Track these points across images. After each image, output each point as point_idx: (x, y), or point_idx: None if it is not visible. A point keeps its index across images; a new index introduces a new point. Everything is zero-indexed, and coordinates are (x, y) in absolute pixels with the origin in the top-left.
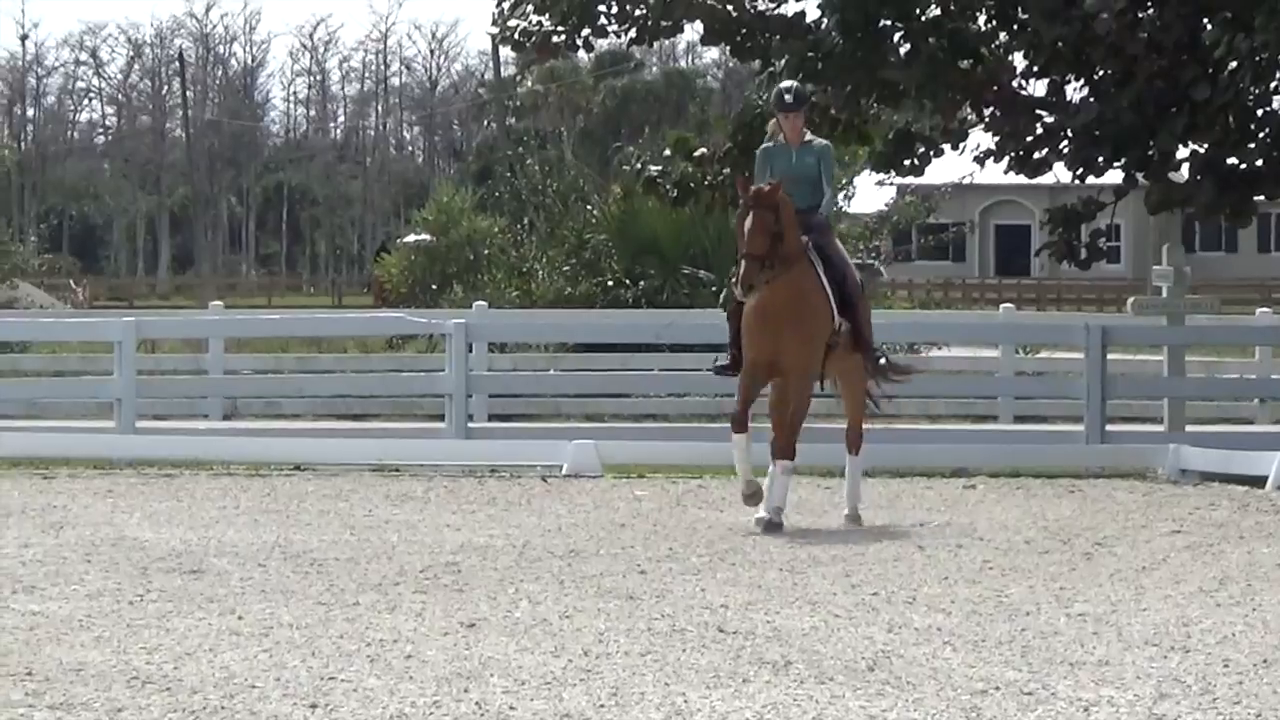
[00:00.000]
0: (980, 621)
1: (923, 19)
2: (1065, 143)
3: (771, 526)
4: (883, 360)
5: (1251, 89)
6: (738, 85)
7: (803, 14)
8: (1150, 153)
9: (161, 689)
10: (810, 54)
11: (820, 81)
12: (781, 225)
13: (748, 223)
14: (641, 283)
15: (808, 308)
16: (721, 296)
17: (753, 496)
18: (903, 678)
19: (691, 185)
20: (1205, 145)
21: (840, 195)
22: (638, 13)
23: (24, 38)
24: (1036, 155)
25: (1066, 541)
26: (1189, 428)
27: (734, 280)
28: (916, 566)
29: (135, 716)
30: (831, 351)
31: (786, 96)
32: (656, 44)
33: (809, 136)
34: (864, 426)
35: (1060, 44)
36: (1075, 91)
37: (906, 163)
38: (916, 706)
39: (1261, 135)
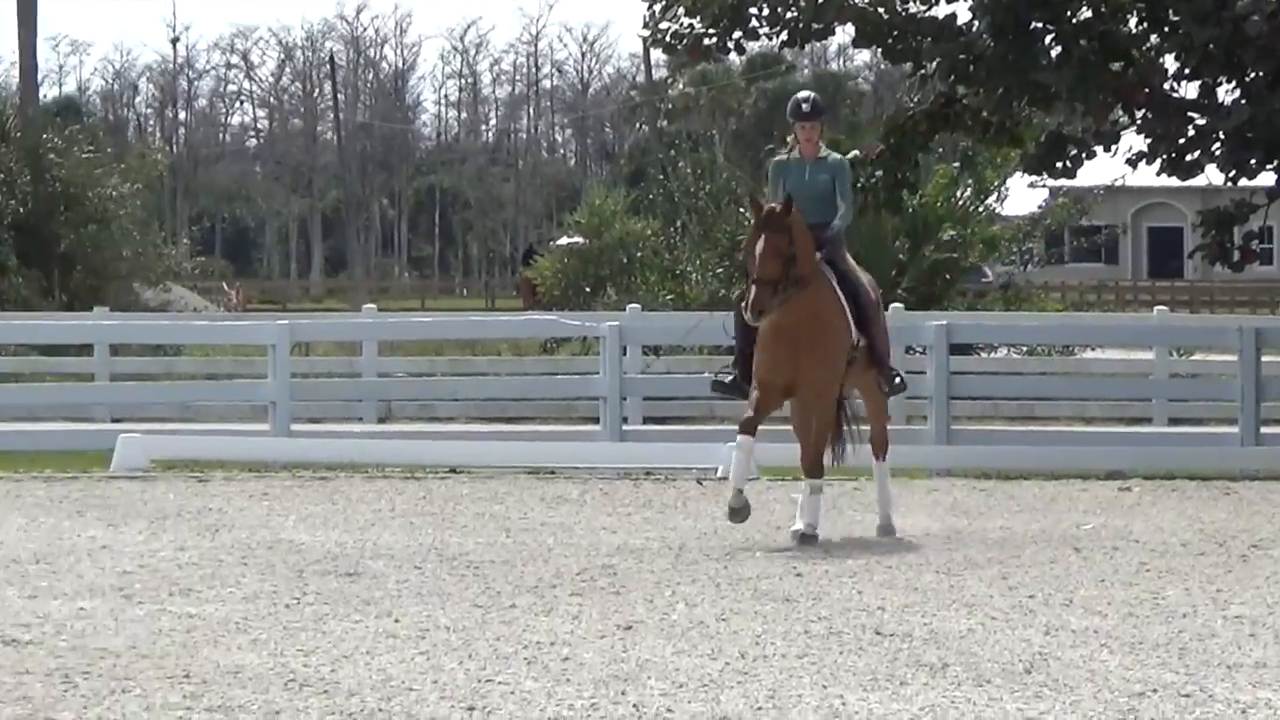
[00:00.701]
0: (1137, 624)
1: (1074, 21)
2: (1217, 145)
3: (806, 539)
4: (898, 380)
5: None
6: (889, 88)
7: (954, 16)
8: None
9: (319, 692)
10: (961, 56)
11: (972, 84)
12: (795, 248)
13: (759, 246)
14: None
15: (826, 329)
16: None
17: (738, 512)
18: (1060, 680)
19: None
20: None
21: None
22: (789, 15)
23: (175, 41)
24: (1189, 158)
25: (1222, 544)
26: None
27: (744, 304)
28: (1073, 569)
29: (292, 719)
30: (850, 367)
31: (804, 105)
32: (808, 47)
33: (824, 151)
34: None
35: (1212, 46)
36: (1227, 93)
37: (1058, 165)
38: (1074, 709)
39: None
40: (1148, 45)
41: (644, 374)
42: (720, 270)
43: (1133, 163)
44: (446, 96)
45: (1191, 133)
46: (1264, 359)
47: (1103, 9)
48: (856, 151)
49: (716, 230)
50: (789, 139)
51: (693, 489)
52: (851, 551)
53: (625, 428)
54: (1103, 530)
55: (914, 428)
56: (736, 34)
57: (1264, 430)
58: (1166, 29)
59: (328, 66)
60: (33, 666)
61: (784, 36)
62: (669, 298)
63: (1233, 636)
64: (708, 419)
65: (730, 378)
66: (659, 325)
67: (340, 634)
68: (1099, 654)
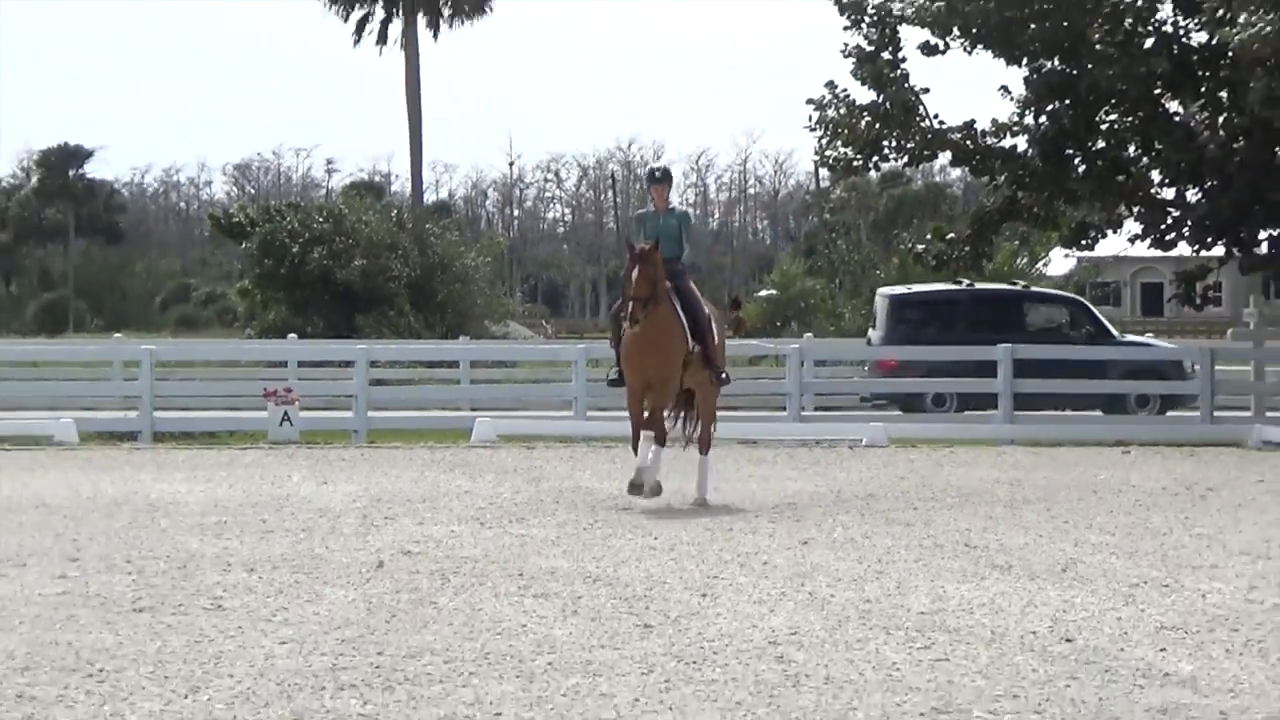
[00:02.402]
0: (1133, 539)
1: (1093, 149)
2: (1187, 228)
3: (634, 488)
4: (724, 376)
5: None
6: (974, 192)
7: (1015, 146)
8: (1242, 235)
9: (606, 584)
10: (1020, 172)
11: (1027, 190)
12: (657, 275)
13: (635, 273)
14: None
15: (669, 337)
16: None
17: (638, 487)
18: (1084, 576)
19: (944, 258)
20: (1278, 230)
21: (1037, 262)
22: (909, 146)
23: (511, 164)
24: (1168, 237)
25: (1189, 488)
26: (1269, 414)
27: (624, 316)
28: (1092, 504)
29: (589, 602)
30: (687, 367)
31: (656, 173)
32: (921, 166)
33: (673, 204)
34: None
35: (1183, 165)
36: (1193, 195)
37: (1083, 243)
38: (1093, 594)
39: None
40: (1142, 164)
41: (815, 379)
42: (863, 312)
43: (1132, 240)
44: (686, 198)
45: (1170, 220)
46: (1216, 367)
47: (1112, 140)
48: (952, 235)
49: (862, 285)
50: (649, 198)
51: (845, 452)
52: (949, 493)
53: (803, 413)
54: (1111, 479)
55: (989, 412)
56: (875, 159)
57: (1216, 414)
58: (1154, 154)
59: (610, 179)
60: (420, 568)
61: (905, 159)
62: (831, 330)
63: (1195, 547)
64: (855, 408)
65: (617, 374)
66: (826, 348)
67: (619, 547)
68: (1109, 559)
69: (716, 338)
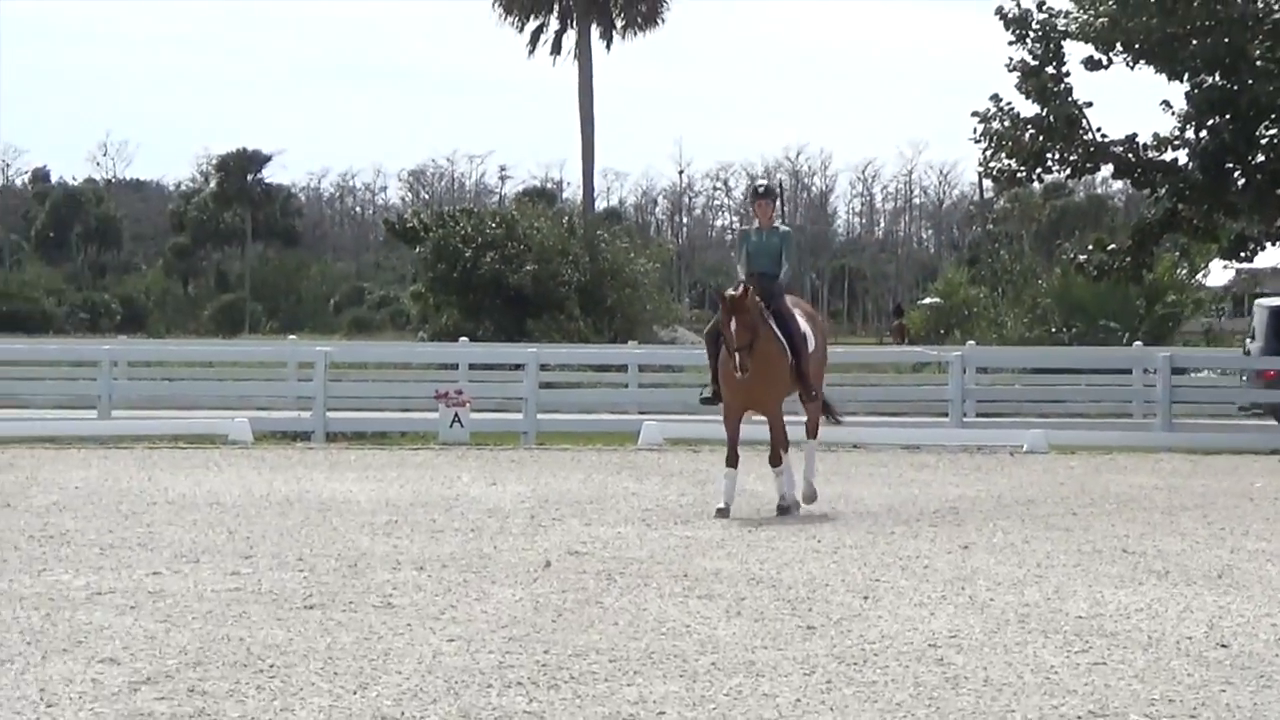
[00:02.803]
0: None
1: (1252, 163)
2: None
3: (782, 509)
4: (814, 394)
5: None
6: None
7: (1176, 160)
8: None
9: (768, 586)
10: (1180, 185)
11: (1187, 203)
12: (755, 321)
13: (733, 325)
14: (1073, 329)
15: (772, 366)
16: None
17: (724, 512)
18: (1240, 582)
19: (1105, 268)
20: None
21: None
22: (1072, 158)
23: (680, 171)
24: None
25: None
26: None
27: (735, 366)
28: (1247, 512)
29: (753, 603)
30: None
31: (759, 188)
32: (1083, 178)
33: (776, 222)
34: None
35: None
36: None
37: (1242, 255)
38: (1249, 600)
39: None
40: None
41: (978, 385)
42: (1025, 320)
43: None
44: (852, 208)
45: None
46: None
47: (1272, 155)
48: (1113, 246)
49: (1024, 295)
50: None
51: (1006, 459)
52: (1108, 500)
53: (965, 419)
54: (1268, 487)
55: (1148, 420)
56: (1038, 170)
57: None
58: None
59: (777, 189)
60: (587, 568)
61: (1068, 172)
62: (993, 338)
63: None
64: (1016, 414)
65: (711, 393)
66: (989, 354)
67: (782, 549)
68: (1265, 566)
69: (814, 347)
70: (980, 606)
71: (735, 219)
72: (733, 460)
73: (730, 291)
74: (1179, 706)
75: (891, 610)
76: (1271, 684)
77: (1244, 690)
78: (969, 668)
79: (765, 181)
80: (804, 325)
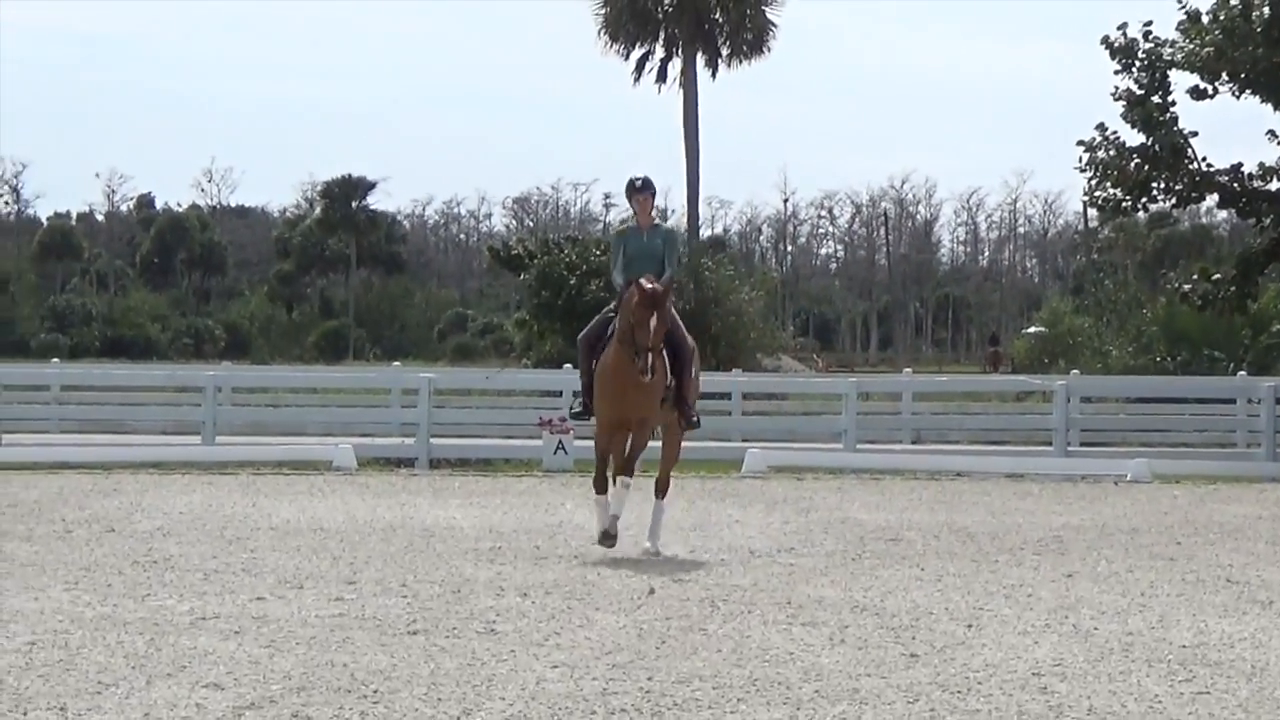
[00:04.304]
0: None
1: None
2: None
3: (606, 539)
4: (695, 419)
5: None
6: (1239, 234)
7: (1264, 182)
8: None
9: (872, 614)
10: (1271, 214)
11: None
12: (670, 324)
13: (653, 322)
14: (1178, 359)
15: (662, 378)
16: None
17: (610, 538)
18: None
19: (1210, 298)
20: None
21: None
22: (1178, 188)
23: (785, 200)
24: None
25: None
26: None
27: (640, 367)
28: None
29: (856, 631)
30: (663, 404)
31: (636, 182)
32: (1188, 208)
33: (657, 221)
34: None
35: None
36: None
37: None
38: None
39: None
40: None
41: (1082, 414)
42: (1130, 349)
43: None
44: (957, 237)
45: None
46: None
47: None
48: (1218, 275)
49: (1128, 324)
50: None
51: (1110, 489)
52: (1211, 529)
53: (1069, 448)
54: None
55: (1252, 450)
56: (1143, 199)
57: None
58: None
59: (883, 217)
60: (690, 595)
61: (1173, 201)
62: (1098, 367)
63: None
64: (1121, 443)
65: (582, 406)
66: (1093, 384)
67: (886, 577)
68: None
69: (695, 374)
70: (1084, 635)
71: (840, 247)
72: (602, 486)
73: (649, 283)
74: None
75: (995, 638)
76: None
77: None
78: (1072, 696)
79: (643, 175)
80: (690, 342)
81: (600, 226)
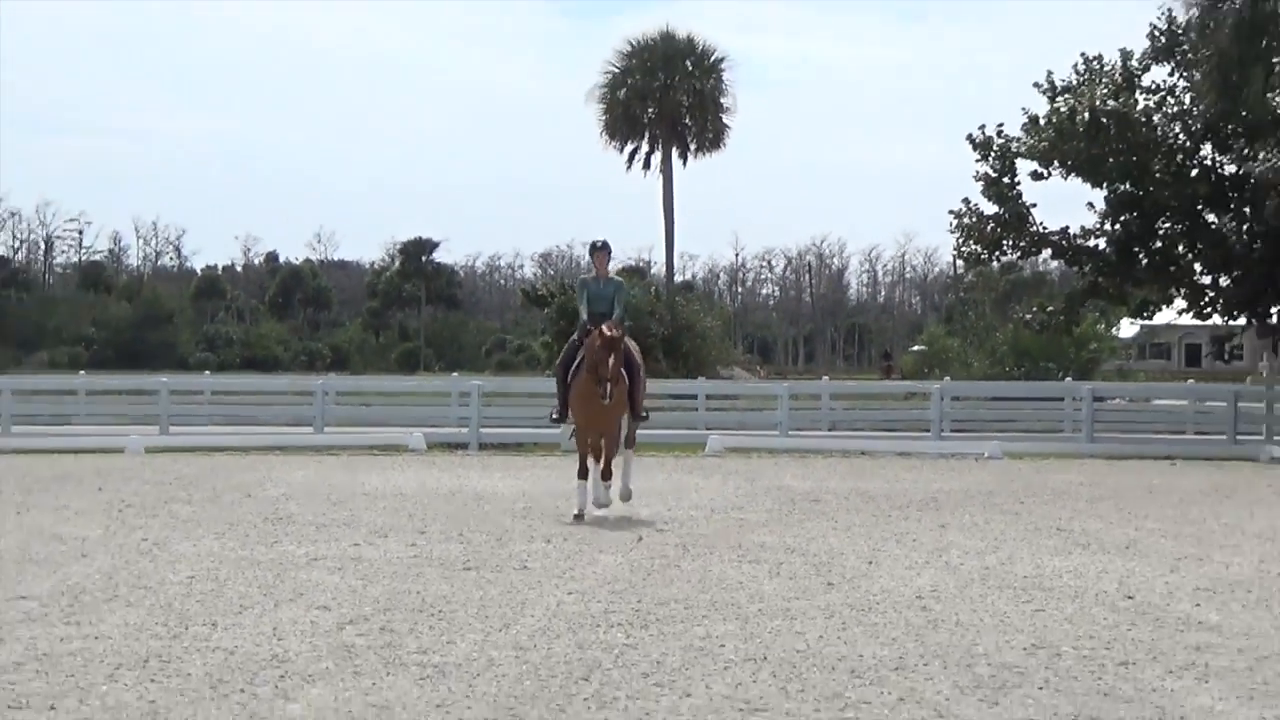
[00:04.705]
0: (1177, 525)
1: (1153, 248)
2: (1219, 305)
3: (578, 517)
4: (645, 415)
5: None
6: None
7: (1097, 245)
8: (1259, 310)
9: (800, 554)
10: (1100, 264)
11: (1104, 276)
12: (627, 359)
13: (611, 360)
14: (1022, 369)
15: (621, 404)
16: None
17: (580, 518)
18: (1142, 551)
19: (1045, 325)
20: None
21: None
22: (1021, 244)
23: (736, 254)
24: (1205, 311)
25: (1216, 490)
26: (1276, 437)
27: (603, 393)
28: (1148, 500)
29: (788, 567)
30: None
31: (598, 244)
32: (1029, 259)
33: (611, 275)
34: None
35: (1216, 260)
36: (1224, 281)
37: (1144, 314)
38: (1148, 565)
39: None
40: (1187, 259)
41: (952, 409)
42: (987, 362)
43: (1179, 313)
44: (862, 280)
45: (1207, 299)
46: (1239, 405)
47: (1166, 243)
48: (1051, 308)
49: (986, 344)
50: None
51: (972, 463)
52: (1046, 492)
53: (943, 434)
54: (1163, 483)
55: (1075, 435)
56: (996, 254)
57: (1239, 436)
58: (1197, 251)
59: (808, 266)
60: (668, 541)
61: (1018, 255)
62: (963, 375)
63: (1222, 532)
64: (980, 431)
65: (560, 414)
66: (960, 387)
67: (810, 528)
68: (1160, 540)
69: (642, 382)
70: (953, 569)
71: (776, 288)
72: (584, 474)
73: (609, 330)
74: (1097, 641)
75: (889, 571)
76: (1164, 625)
77: (1144, 629)
78: (945, 613)
79: (602, 239)
80: (638, 358)
81: None
